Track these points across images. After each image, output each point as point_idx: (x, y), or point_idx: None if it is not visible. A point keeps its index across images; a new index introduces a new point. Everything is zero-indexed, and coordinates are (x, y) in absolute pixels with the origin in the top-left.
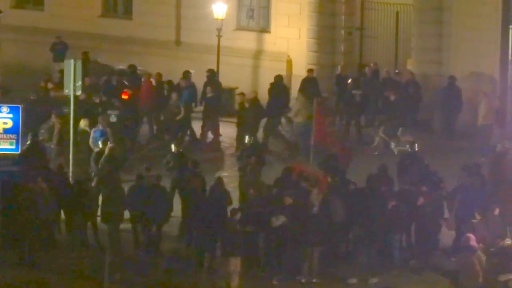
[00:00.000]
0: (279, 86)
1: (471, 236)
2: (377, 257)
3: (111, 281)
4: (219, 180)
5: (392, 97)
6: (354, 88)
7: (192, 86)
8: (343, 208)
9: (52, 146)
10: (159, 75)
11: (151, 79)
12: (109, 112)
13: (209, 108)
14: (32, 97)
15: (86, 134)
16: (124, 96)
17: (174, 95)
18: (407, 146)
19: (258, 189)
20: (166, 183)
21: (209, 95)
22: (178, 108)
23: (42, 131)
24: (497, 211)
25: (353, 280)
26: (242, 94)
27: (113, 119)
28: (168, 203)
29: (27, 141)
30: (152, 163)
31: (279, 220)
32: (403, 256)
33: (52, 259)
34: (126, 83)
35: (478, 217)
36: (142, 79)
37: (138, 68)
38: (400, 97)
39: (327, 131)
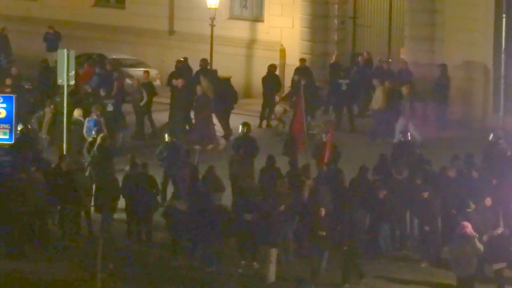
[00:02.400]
0: (272, 76)
1: (467, 224)
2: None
3: (104, 271)
4: (211, 169)
5: (303, 82)
6: (342, 78)
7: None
8: (331, 197)
9: (44, 136)
10: (110, 64)
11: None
12: (105, 101)
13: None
14: (26, 86)
15: (79, 124)
16: None
17: (135, 82)
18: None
19: (252, 179)
20: (160, 172)
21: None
22: (141, 94)
23: (33, 120)
24: (490, 200)
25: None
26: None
27: (109, 108)
28: (153, 192)
29: (17, 131)
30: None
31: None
32: (395, 246)
33: (44, 250)
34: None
35: (472, 206)
36: (84, 65)
37: (130, 57)
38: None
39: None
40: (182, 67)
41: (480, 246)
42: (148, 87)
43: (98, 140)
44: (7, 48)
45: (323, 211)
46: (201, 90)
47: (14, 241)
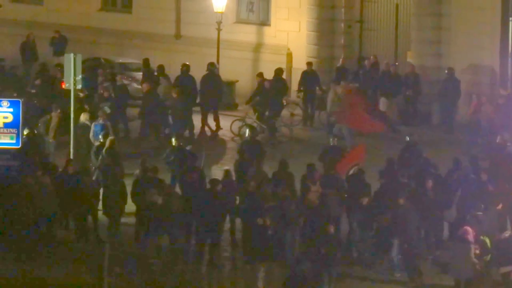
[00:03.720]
0: (279, 80)
1: (469, 229)
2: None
3: (110, 275)
4: (228, 173)
5: (267, 84)
6: (351, 81)
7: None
8: (338, 202)
9: (51, 140)
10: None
11: None
12: (101, 104)
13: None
14: (32, 91)
15: (86, 128)
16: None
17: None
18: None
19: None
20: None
21: None
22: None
23: (39, 124)
24: (498, 203)
25: None
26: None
27: (107, 110)
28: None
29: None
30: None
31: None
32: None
33: (51, 253)
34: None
35: (482, 209)
36: None
37: (136, 62)
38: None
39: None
40: (147, 70)
41: (473, 255)
42: (121, 90)
43: (107, 143)
44: (34, 55)
45: (332, 229)
46: (176, 93)
47: (22, 244)
